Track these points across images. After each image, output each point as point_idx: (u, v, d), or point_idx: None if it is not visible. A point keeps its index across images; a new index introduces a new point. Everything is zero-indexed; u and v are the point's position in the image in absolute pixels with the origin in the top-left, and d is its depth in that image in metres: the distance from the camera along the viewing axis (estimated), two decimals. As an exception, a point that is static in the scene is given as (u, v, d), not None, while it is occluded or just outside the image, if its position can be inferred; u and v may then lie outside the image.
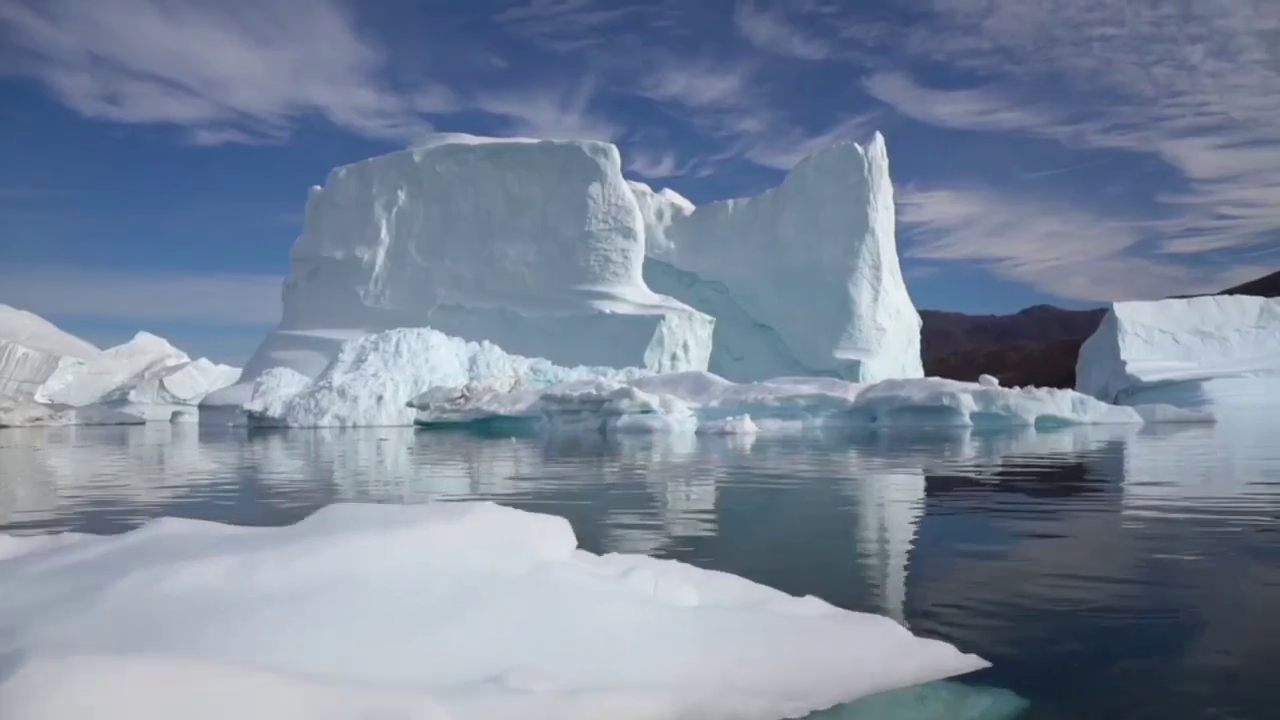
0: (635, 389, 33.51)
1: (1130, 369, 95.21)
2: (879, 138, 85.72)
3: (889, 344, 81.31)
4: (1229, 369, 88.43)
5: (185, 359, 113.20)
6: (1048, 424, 30.56)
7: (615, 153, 73.61)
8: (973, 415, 30.79)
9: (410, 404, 45.80)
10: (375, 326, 63.29)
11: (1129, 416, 31.51)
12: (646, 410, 33.12)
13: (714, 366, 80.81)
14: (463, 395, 43.52)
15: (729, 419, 29.08)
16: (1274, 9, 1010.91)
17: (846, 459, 16.51)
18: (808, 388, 33.11)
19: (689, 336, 68.86)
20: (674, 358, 68.12)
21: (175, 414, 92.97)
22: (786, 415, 32.65)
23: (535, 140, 75.30)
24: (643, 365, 66.50)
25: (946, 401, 30.64)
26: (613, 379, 39.85)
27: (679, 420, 32.36)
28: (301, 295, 75.91)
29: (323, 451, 22.41)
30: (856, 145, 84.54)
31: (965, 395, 30.72)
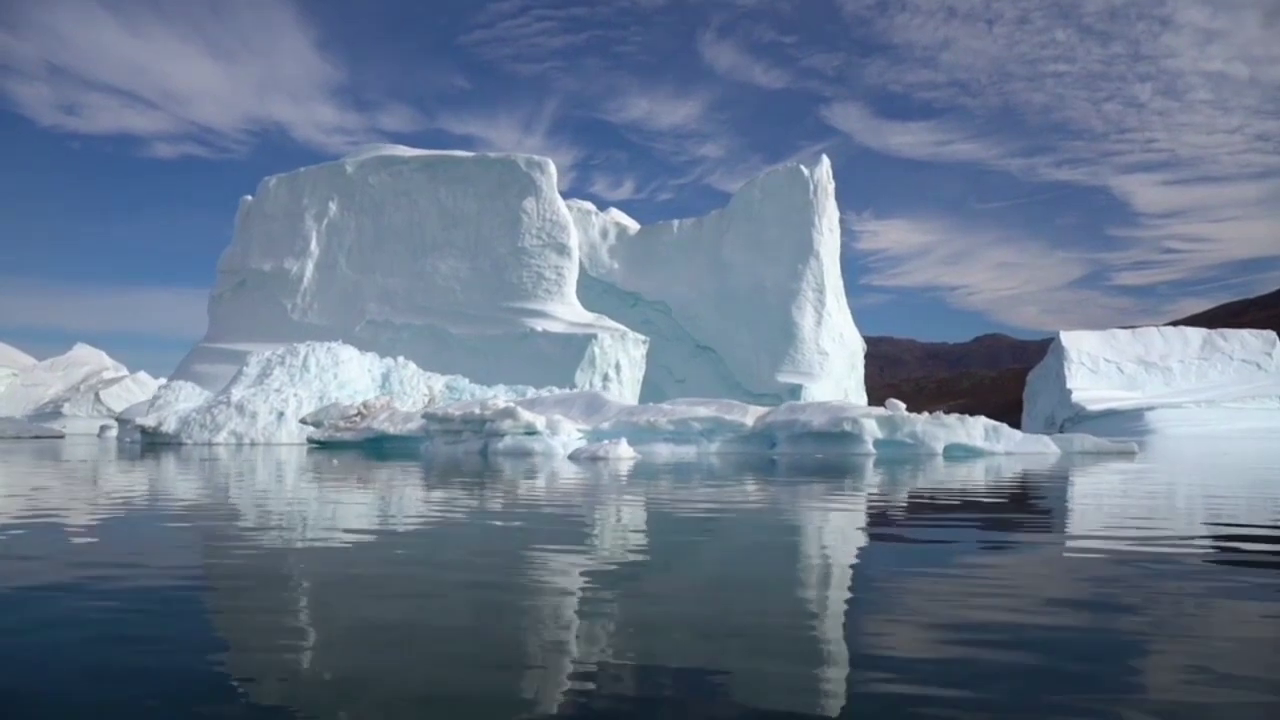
0: (519, 408, 30.38)
1: (1075, 398, 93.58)
2: (824, 160, 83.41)
3: (832, 368, 78.62)
4: (1172, 398, 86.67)
5: (124, 371, 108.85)
6: (956, 453, 27.70)
7: (551, 167, 70.69)
8: (877, 442, 27.87)
9: (304, 421, 42.39)
10: (302, 341, 59.79)
11: (1044, 446, 28.71)
12: (531, 431, 30.02)
13: (655, 388, 78.16)
14: (359, 413, 40.18)
15: (604, 442, 25.99)
16: (1218, 51, 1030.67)
17: (712, 493, 13.44)
18: (703, 410, 30.07)
19: (621, 357, 65.77)
20: (606, 378, 65.02)
21: (103, 428, 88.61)
22: (680, 439, 29.64)
23: (470, 153, 72.24)
24: (573, 386, 63.42)
25: (848, 427, 27.71)
26: (499, 398, 36.64)
27: (564, 443, 29.29)
28: (227, 308, 72.20)
29: (154, 473, 19.20)
30: (802, 167, 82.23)
31: (868, 421, 27.79)
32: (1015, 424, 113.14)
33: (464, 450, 31.00)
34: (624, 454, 24.65)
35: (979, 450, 27.72)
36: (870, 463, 24.35)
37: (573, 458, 25.59)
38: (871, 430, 27.64)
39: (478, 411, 31.24)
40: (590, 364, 64.52)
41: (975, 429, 28.08)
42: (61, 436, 72.81)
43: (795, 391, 73.56)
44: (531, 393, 49.40)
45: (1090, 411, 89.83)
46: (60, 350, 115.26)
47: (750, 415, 29.71)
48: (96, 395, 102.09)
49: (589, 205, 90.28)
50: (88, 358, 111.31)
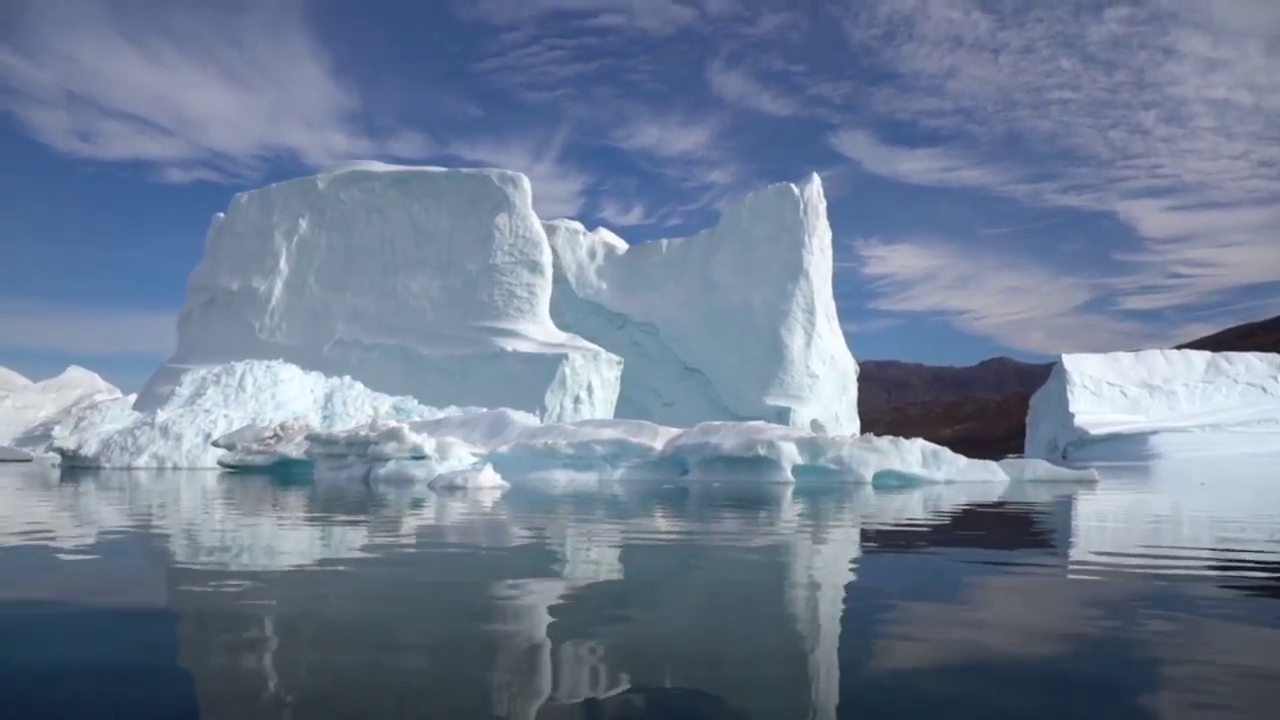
0: (405, 430, 26.41)
1: (1078, 421, 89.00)
2: (815, 179, 79.40)
3: (822, 391, 74.38)
4: (1176, 422, 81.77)
5: (117, 394, 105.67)
6: (889, 480, 23.48)
7: (525, 183, 67.00)
8: (797, 469, 23.67)
9: (216, 444, 38.60)
10: (270, 361, 56.22)
11: (991, 474, 24.36)
12: (418, 455, 26.04)
13: (642, 411, 74.12)
14: (274, 435, 36.34)
15: (466, 469, 22.03)
16: (1221, 79, 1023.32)
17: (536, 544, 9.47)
18: (608, 432, 25.97)
19: (594, 378, 61.79)
20: (577, 400, 61.05)
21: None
22: (582, 465, 25.54)
23: (443, 169, 68.69)
24: (544, 408, 59.54)
25: (763, 451, 23.50)
26: (391, 419, 32.73)
27: (453, 468, 25.28)
28: (195, 327, 68.77)
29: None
30: (792, 186, 78.21)
31: (786, 445, 23.58)
32: (1019, 448, 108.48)
33: (346, 476, 27.07)
34: (485, 482, 20.64)
35: (915, 478, 23.47)
36: (788, 493, 20.25)
37: (431, 486, 21.61)
38: (790, 455, 23.45)
39: (363, 433, 27.31)
40: (561, 385, 60.61)
41: (911, 454, 23.83)
42: (29, 460, 69.40)
43: (783, 415, 69.53)
44: (462, 413, 45.52)
45: (1093, 435, 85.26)
46: (58, 373, 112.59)
47: (660, 438, 25.61)
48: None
49: (577, 225, 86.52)
50: (80, 380, 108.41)
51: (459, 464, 25.66)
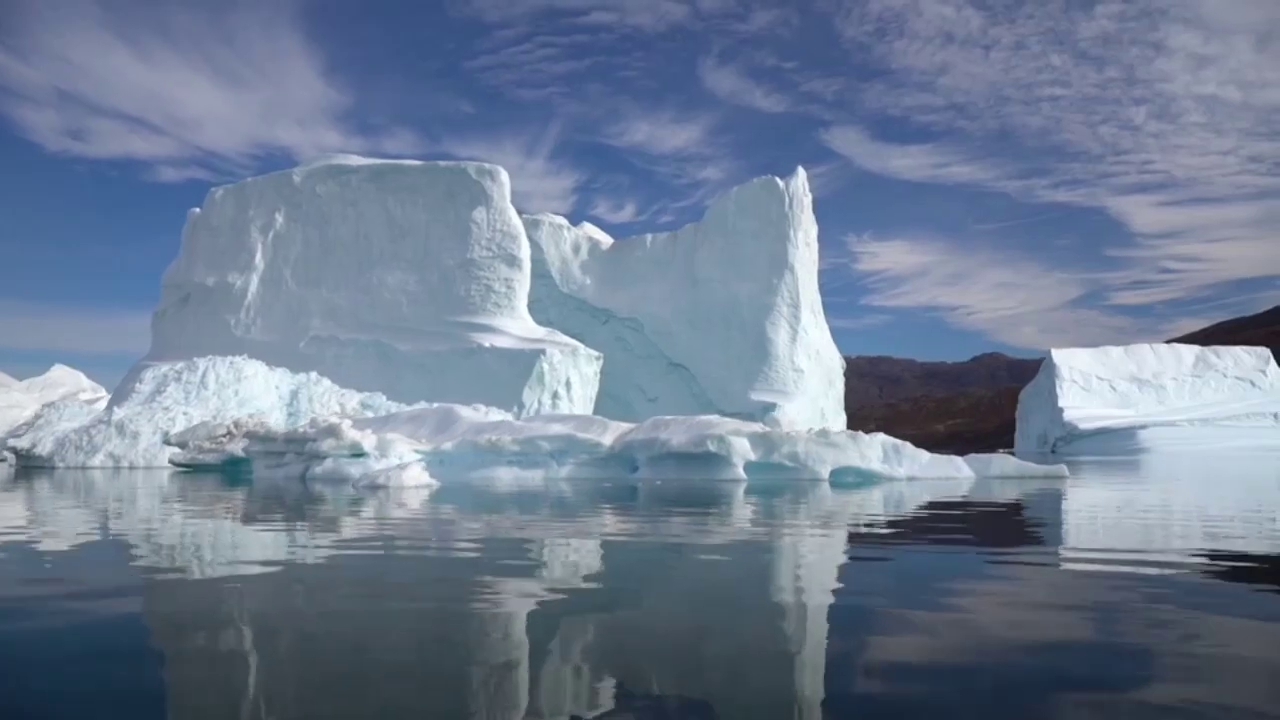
0: (343, 426, 24.92)
1: (1068, 416, 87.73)
2: (800, 172, 77.95)
3: (807, 386, 72.99)
4: (1165, 416, 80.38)
5: (101, 392, 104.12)
6: (847, 477, 22.03)
7: (503, 175, 65.43)
8: (749, 465, 22.20)
9: (168, 441, 37.13)
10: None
11: (956, 469, 22.88)
12: (357, 453, 24.58)
13: (627, 407, 72.95)
14: (228, 433, 34.88)
15: (390, 467, 20.58)
16: (1211, 75, 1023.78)
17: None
18: (556, 428, 24.48)
19: (572, 373, 60.25)
20: (555, 396, 59.52)
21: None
22: (528, 463, 24.06)
23: (419, 162, 67.12)
24: (522, 404, 58.09)
25: (713, 447, 22.02)
26: (333, 415, 31.31)
27: (394, 465, 23.82)
28: (170, 324, 67.11)
29: None
30: (777, 180, 76.76)
31: (738, 440, 22.09)
32: (1011, 443, 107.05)
33: (284, 475, 25.62)
34: (409, 481, 19.21)
35: (874, 475, 22.02)
36: (739, 492, 18.82)
37: (354, 485, 20.17)
38: (742, 450, 21.97)
39: (301, 430, 25.86)
40: (539, 381, 59.06)
41: (871, 449, 22.37)
42: (4, 460, 67.78)
43: (769, 410, 68.25)
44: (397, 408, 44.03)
45: (1083, 430, 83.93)
46: (43, 372, 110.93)
47: (610, 433, 24.11)
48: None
49: (561, 220, 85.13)
50: (64, 379, 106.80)
51: (399, 460, 24.19)
